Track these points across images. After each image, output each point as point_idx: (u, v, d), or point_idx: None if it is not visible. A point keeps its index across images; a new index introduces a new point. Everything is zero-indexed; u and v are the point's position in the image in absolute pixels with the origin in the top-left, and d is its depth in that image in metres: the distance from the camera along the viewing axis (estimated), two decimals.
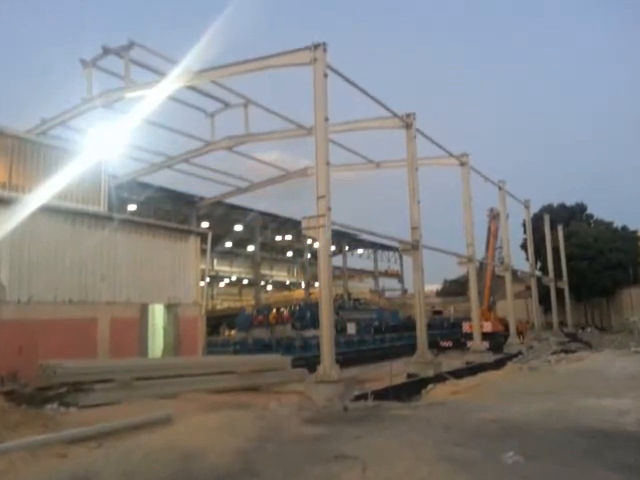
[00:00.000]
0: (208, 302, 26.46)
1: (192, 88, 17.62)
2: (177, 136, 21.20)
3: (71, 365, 10.55)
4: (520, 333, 28.65)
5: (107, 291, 14.25)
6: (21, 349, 11.54)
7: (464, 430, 7.19)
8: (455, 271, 53.50)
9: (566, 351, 22.69)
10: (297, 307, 38.74)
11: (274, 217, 46.08)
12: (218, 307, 50.45)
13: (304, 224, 12.38)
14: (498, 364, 19.00)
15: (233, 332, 36.84)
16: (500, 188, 27.81)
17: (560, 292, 36.88)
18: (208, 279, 22.05)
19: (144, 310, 15.19)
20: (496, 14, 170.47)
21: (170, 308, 16.06)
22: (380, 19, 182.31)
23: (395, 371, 14.98)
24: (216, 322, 38.31)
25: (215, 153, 22.35)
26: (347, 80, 14.54)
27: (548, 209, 46.06)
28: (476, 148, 22.86)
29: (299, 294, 54.12)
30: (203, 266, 18.53)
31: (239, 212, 41.29)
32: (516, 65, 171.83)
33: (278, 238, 51.88)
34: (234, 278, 58.97)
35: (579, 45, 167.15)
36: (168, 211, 36.11)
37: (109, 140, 17.93)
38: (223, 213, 40.04)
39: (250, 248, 50.65)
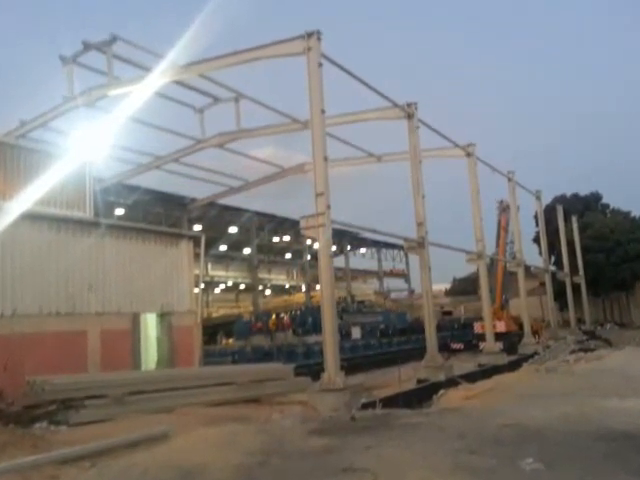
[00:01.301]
0: (203, 309, 26.44)
1: (179, 83, 17.57)
2: (165, 134, 21.14)
3: (60, 381, 10.55)
4: (535, 332, 28.69)
5: (96, 301, 14.25)
6: (6, 365, 11.51)
7: (479, 437, 7.20)
8: (464, 269, 53.28)
9: (585, 350, 22.73)
10: (298, 312, 38.91)
11: (271, 217, 46.05)
12: (214, 314, 50.46)
13: (303, 224, 12.37)
14: (513, 366, 19.04)
15: (231, 340, 36.95)
16: (509, 179, 27.77)
17: (576, 287, 36.79)
18: (203, 285, 22.02)
19: (136, 320, 15.19)
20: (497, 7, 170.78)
21: (163, 317, 16.07)
22: (378, 10, 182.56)
23: (404, 376, 15.05)
24: (213, 330, 38.40)
25: (206, 151, 22.30)
26: (344, 70, 14.52)
27: (561, 200, 46.01)
28: (481, 141, 22.75)
29: (299, 298, 54.13)
30: (197, 271, 18.55)
31: (233, 213, 41.30)
32: (518, 53, 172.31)
33: (276, 239, 51.87)
34: (230, 283, 59.01)
35: (580, 36, 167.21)
36: (158, 214, 36.11)
37: (93, 141, 17.91)
38: (216, 214, 40.03)
39: (246, 251, 50.67)
